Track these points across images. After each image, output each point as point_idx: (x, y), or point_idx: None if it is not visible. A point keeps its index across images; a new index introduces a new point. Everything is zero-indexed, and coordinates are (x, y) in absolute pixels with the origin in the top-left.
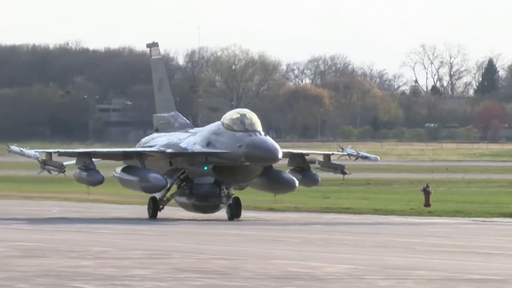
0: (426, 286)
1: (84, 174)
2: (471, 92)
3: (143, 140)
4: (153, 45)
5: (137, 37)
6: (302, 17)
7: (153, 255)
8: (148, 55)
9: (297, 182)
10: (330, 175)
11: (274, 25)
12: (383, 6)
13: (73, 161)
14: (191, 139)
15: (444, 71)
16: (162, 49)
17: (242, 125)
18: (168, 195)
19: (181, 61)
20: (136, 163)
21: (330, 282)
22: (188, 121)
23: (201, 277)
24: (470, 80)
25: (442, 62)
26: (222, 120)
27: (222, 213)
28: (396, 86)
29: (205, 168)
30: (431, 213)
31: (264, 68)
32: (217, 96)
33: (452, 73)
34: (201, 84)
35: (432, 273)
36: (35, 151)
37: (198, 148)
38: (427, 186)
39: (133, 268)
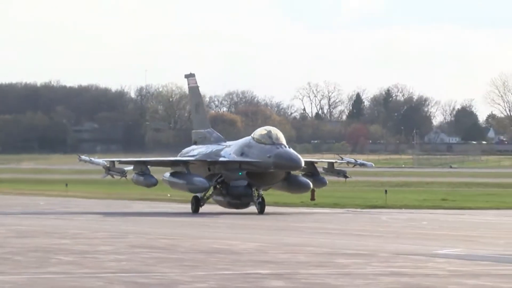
0: (313, 258)
1: (141, 178)
2: (344, 117)
3: (184, 150)
4: (190, 76)
5: (101, 76)
6: (220, 61)
7: (114, 235)
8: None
9: (311, 184)
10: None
11: (201, 68)
12: (279, 51)
13: (130, 167)
14: (227, 150)
15: (324, 102)
16: (118, 85)
17: (270, 139)
18: (207, 194)
19: (133, 94)
20: (181, 169)
21: (242, 255)
22: (221, 136)
23: (149, 251)
24: (343, 108)
25: (322, 95)
26: (252, 135)
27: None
28: (289, 113)
29: (240, 173)
30: (316, 205)
31: None
32: (160, 120)
33: (330, 103)
34: (148, 112)
35: (317, 249)
36: (103, 160)
37: (234, 157)
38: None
39: (100, 245)
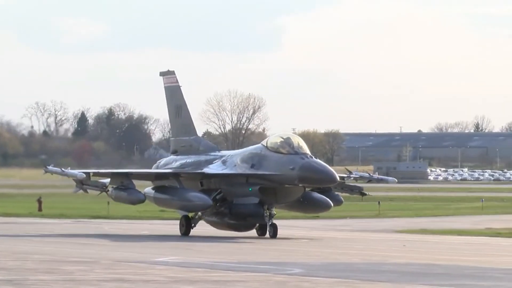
0: (41, 265)
1: (123, 193)
2: (70, 134)
3: (163, 161)
4: (167, 73)
5: None
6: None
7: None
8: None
9: (331, 203)
10: None
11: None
12: (8, 71)
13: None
14: (230, 161)
15: (51, 120)
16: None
17: (290, 148)
18: (198, 214)
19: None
20: (163, 183)
21: None
22: (213, 144)
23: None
24: (69, 126)
25: (49, 113)
26: (263, 143)
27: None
28: (19, 130)
29: (250, 189)
30: (43, 216)
31: None
32: None
33: (56, 121)
34: None
35: (44, 256)
36: (79, 171)
37: (241, 170)
38: (40, 198)
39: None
